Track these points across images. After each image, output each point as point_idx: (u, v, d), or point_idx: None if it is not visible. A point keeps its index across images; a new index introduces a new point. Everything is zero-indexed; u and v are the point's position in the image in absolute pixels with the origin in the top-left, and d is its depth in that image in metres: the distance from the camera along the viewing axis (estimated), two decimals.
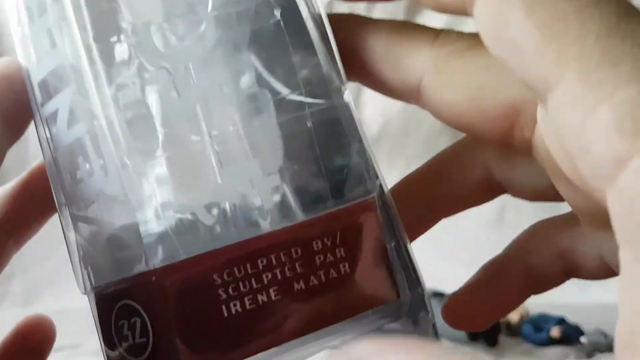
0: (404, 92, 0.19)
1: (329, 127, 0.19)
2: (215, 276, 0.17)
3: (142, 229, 0.17)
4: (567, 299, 0.83)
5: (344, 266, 0.18)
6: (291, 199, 0.18)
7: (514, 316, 0.80)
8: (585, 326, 0.76)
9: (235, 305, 0.17)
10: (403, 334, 0.17)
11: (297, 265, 0.18)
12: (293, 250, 0.18)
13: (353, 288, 0.18)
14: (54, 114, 0.18)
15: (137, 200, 0.17)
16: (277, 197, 0.18)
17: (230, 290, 0.17)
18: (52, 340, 0.22)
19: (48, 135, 0.18)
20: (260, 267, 0.17)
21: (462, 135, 0.23)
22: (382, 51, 0.20)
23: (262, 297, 0.17)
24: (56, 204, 0.19)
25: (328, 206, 0.18)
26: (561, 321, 0.78)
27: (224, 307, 0.17)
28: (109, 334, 0.18)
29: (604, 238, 0.19)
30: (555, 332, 0.77)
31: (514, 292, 0.23)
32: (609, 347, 0.72)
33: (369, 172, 0.19)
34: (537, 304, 0.76)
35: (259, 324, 0.17)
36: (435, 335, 0.19)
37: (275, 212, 0.18)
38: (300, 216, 0.18)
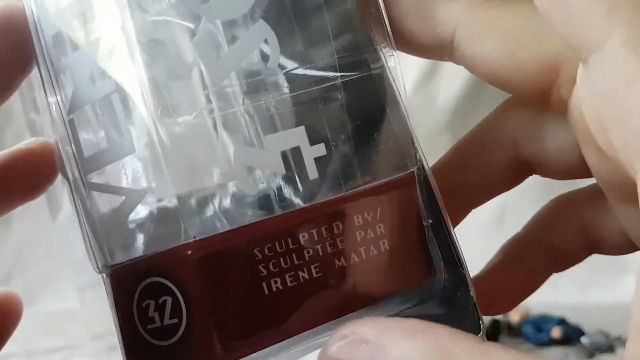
0: (435, 48, 0.18)
1: (366, 98, 0.18)
2: (256, 251, 0.16)
3: (176, 197, 0.16)
4: (568, 300, 0.83)
5: (384, 243, 0.17)
6: (334, 171, 0.17)
7: (514, 316, 0.80)
8: (586, 327, 0.75)
9: (276, 282, 0.16)
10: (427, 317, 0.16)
11: (338, 241, 0.17)
12: (335, 225, 0.17)
13: (390, 267, 0.17)
14: (73, 69, 0.17)
15: (172, 166, 0.16)
16: (320, 168, 0.17)
17: (271, 266, 0.16)
18: (18, 317, 0.21)
19: (60, 97, 0.17)
20: (302, 242, 0.16)
21: (463, 134, 0.22)
22: (410, 2, 0.18)
23: (303, 275, 0.16)
24: (68, 173, 0.17)
25: (367, 180, 0.17)
26: (562, 322, 0.77)
27: (264, 284, 0.16)
28: (129, 317, 0.17)
29: (628, 212, 0.19)
30: (556, 332, 0.77)
31: (537, 271, 0.22)
32: (609, 348, 0.72)
33: (408, 145, 0.18)
34: (537, 304, 0.75)
35: (300, 302, 0.16)
36: (478, 316, 0.18)
37: (319, 184, 0.17)
38: (342, 189, 0.17)
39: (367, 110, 0.18)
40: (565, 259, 0.23)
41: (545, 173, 0.21)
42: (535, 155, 0.21)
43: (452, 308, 0.18)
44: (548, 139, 0.20)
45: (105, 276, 0.17)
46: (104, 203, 0.17)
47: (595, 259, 0.24)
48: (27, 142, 0.19)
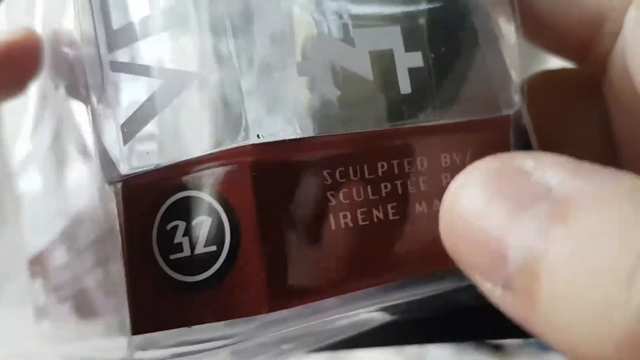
0: None
1: (458, 29, 0.15)
2: (326, 173, 0.13)
3: (238, 84, 0.12)
4: None
5: None
6: (428, 91, 0.14)
7: None
8: None
9: (345, 217, 0.13)
10: None
11: (421, 180, 0.14)
12: (420, 160, 0.14)
13: None
14: None
15: (236, 44, 0.12)
16: (413, 83, 0.13)
17: (341, 195, 0.13)
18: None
19: None
20: (380, 172, 0.13)
21: None
22: None
23: (377, 214, 0.13)
24: (85, 51, 0.14)
25: (459, 113, 0.14)
26: None
27: (332, 216, 0.13)
28: (144, 244, 0.13)
29: None
30: None
31: None
32: None
33: (505, 88, 0.15)
34: None
35: (369, 249, 0.13)
36: None
37: (409, 101, 0.14)
38: (434, 116, 0.14)
39: (463, 39, 0.15)
40: None
41: None
42: (558, 143, 0.20)
43: None
44: (573, 125, 0.20)
45: (116, 187, 0.13)
46: (126, 90, 0.13)
47: None
48: (9, 32, 0.17)
